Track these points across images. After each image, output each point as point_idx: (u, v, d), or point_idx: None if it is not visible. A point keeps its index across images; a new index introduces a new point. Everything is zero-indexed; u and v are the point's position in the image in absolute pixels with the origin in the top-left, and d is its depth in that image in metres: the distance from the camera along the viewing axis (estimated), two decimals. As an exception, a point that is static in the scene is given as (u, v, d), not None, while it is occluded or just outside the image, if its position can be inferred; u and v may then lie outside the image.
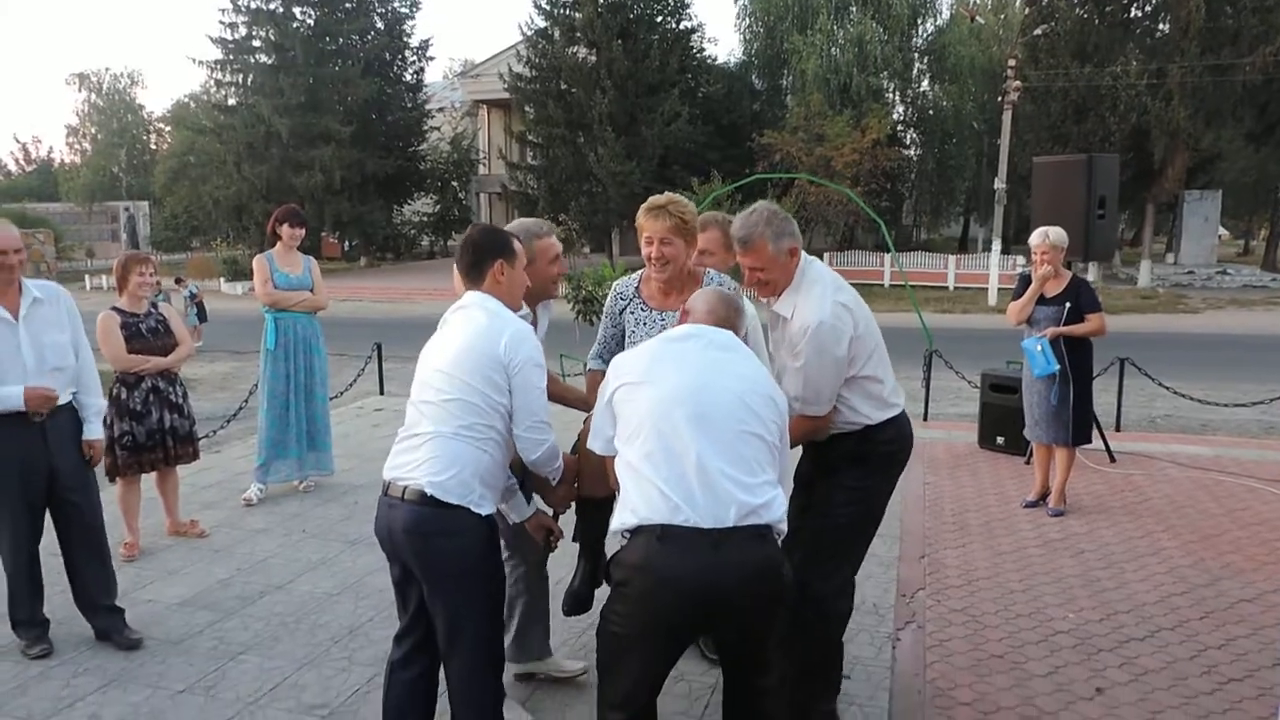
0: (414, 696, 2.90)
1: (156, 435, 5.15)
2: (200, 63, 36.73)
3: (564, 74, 31.08)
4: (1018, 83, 24.79)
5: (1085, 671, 3.85)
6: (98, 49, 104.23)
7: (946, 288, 26.91)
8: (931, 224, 44.11)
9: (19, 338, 3.82)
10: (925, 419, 8.79)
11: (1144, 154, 26.67)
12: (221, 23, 36.16)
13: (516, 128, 34.30)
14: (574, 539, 3.33)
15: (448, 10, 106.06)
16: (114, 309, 5.08)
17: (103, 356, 4.75)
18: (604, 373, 2.85)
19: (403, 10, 38.48)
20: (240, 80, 36.98)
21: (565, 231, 30.07)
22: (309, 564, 5.03)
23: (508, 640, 3.55)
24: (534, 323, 3.36)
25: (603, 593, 2.74)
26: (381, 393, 9.96)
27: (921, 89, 36.42)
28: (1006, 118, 24.96)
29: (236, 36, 36.25)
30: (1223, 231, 35.97)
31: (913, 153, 35.89)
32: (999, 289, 24.03)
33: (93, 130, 55.47)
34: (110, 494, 4.46)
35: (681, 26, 32.63)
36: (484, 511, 2.75)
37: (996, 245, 25.14)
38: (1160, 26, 28.09)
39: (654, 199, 3.38)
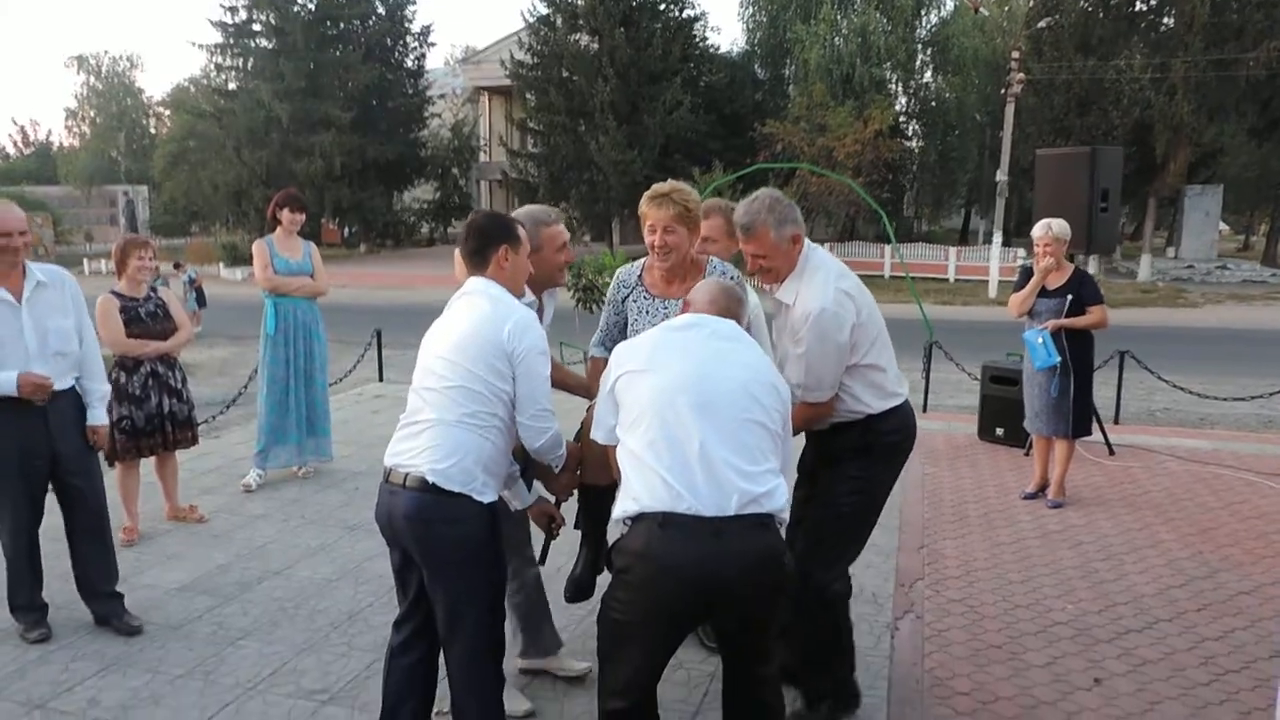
0: (413, 682, 2.90)
1: (155, 420, 5.14)
2: (200, 46, 36.69)
3: (566, 61, 31.00)
4: (1021, 75, 24.72)
5: (1083, 662, 3.86)
6: (97, 31, 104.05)
7: (947, 279, 26.90)
8: (932, 216, 44.09)
9: (21, 321, 3.81)
10: (925, 410, 8.79)
11: (1146, 148, 26.62)
12: (222, 6, 36.17)
13: (518, 115, 34.26)
14: (575, 526, 3.33)
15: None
16: (113, 293, 5.07)
17: (101, 340, 4.74)
18: (606, 360, 2.84)
19: (404, -5, 38.41)
20: (240, 64, 36.91)
21: (566, 220, 29.96)
22: (308, 550, 5.03)
23: (521, 639, 3.55)
24: (540, 310, 3.34)
25: (604, 580, 2.74)
26: (381, 379, 9.95)
27: (924, 80, 36.33)
28: (1009, 110, 24.89)
29: (237, 20, 36.16)
30: (1223, 226, 35.91)
31: (914, 144, 35.81)
32: (999, 281, 24.02)
33: (91, 114, 55.34)
34: (109, 479, 4.46)
35: (684, 15, 32.53)
36: (486, 499, 2.74)
37: (997, 238, 25.11)
38: (1165, 20, 28.01)
39: (657, 187, 3.36)
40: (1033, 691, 3.62)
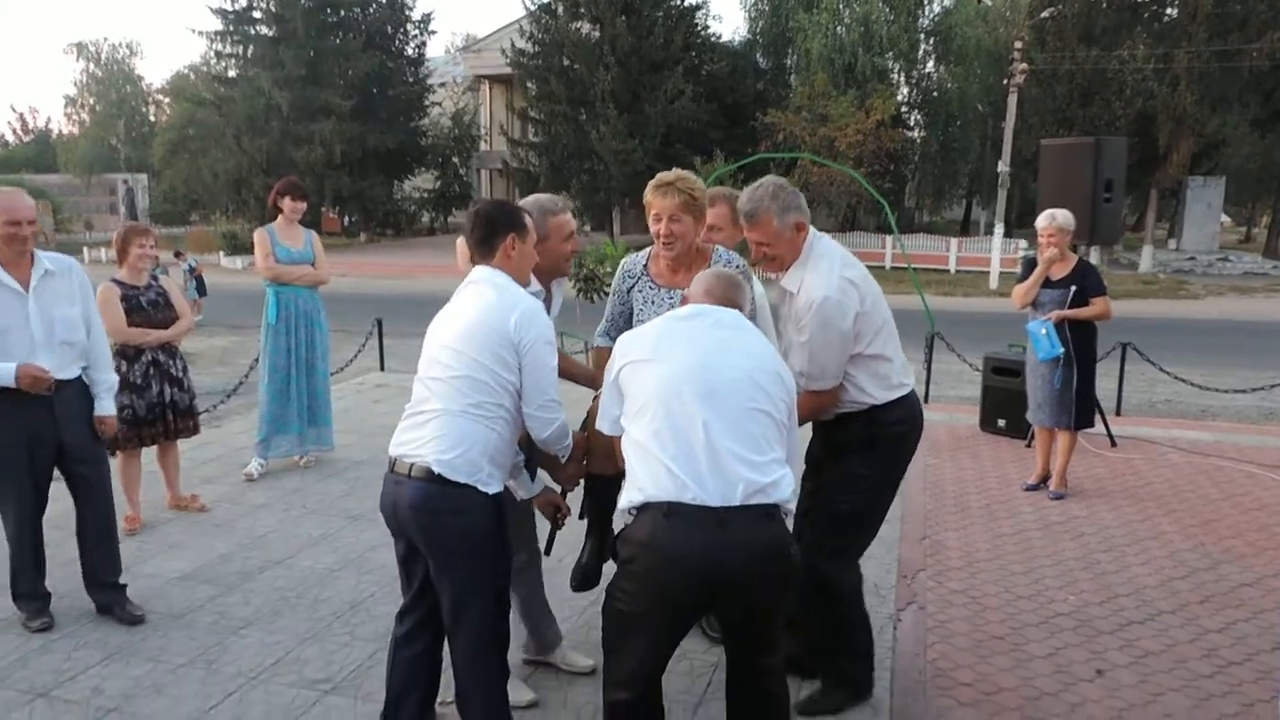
0: (418, 673, 2.90)
1: (156, 409, 5.14)
2: (200, 33, 36.52)
3: (567, 50, 30.90)
4: (1024, 65, 24.63)
5: (1085, 653, 3.86)
6: (96, 18, 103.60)
7: (948, 270, 26.84)
8: (934, 206, 43.97)
9: (28, 309, 3.80)
10: (927, 401, 8.78)
11: (1149, 139, 26.54)
12: (221, -8, 35.92)
13: (518, 104, 34.13)
14: (580, 516, 3.32)
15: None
16: (114, 281, 5.05)
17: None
18: (610, 350, 2.83)
19: (405, -17, 38.23)
20: (240, 52, 36.75)
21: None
22: (310, 539, 5.03)
23: (524, 638, 3.55)
24: (548, 299, 3.32)
25: (609, 570, 2.73)
26: (382, 369, 9.94)
27: (927, 70, 36.17)
28: (1012, 100, 24.81)
29: (236, 7, 35.99)
30: (1224, 218, 35.84)
31: (916, 134, 35.72)
32: (1001, 273, 23.98)
33: (91, 101, 55.16)
34: (110, 468, 4.45)
35: (686, 3, 32.39)
36: (491, 490, 2.73)
37: (999, 229, 25.04)
38: (1168, 11, 27.91)
39: (662, 175, 3.34)
40: (1035, 682, 3.62)
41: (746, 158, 18.92)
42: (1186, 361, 10.71)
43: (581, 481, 3.23)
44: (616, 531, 2.65)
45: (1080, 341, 5.76)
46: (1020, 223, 31.03)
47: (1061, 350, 5.69)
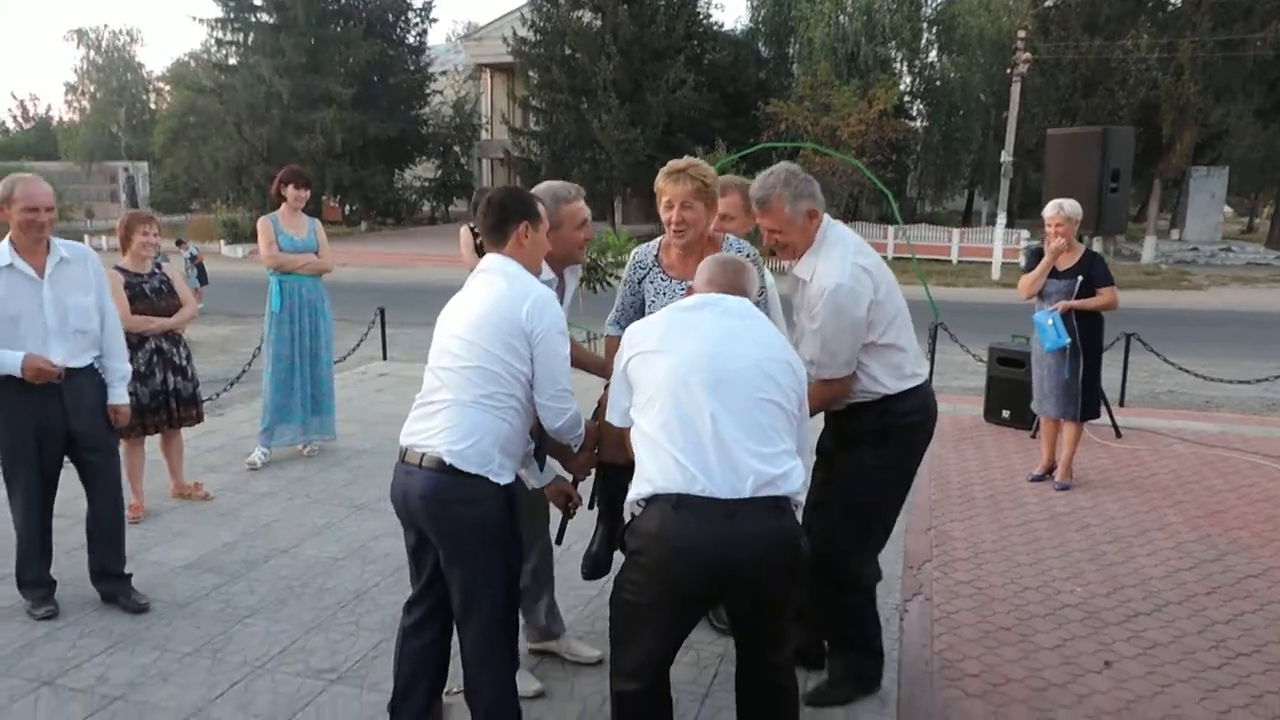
0: (426, 663, 2.89)
1: (160, 397, 5.12)
2: (200, 21, 36.44)
3: (569, 38, 30.78)
4: (1027, 55, 24.53)
5: (1093, 645, 3.85)
6: (96, 4, 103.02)
7: (950, 261, 26.81)
8: (935, 197, 43.86)
9: (42, 296, 3.79)
10: (930, 392, 8.75)
11: (1152, 129, 26.45)
12: (222, -22, 35.73)
13: (520, 92, 34.03)
14: (589, 507, 3.31)
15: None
16: (117, 268, 5.02)
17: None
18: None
19: (405, -30, 38.03)
20: (241, 39, 36.55)
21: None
22: (314, 528, 5.02)
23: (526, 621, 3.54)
24: (561, 287, 3.30)
25: (620, 557, 2.71)
26: (385, 358, 9.92)
27: (929, 59, 36.03)
28: (1015, 90, 24.72)
29: (237, -6, 35.81)
30: (1226, 209, 35.74)
31: (919, 124, 35.59)
32: (1003, 263, 23.94)
33: (92, 88, 54.94)
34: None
35: (687, -9, 32.24)
36: (503, 481, 2.71)
37: (1001, 219, 24.98)
38: (1172, 0, 27.78)
39: (674, 163, 3.30)
40: (1043, 674, 3.61)
41: (749, 147, 18.86)
42: (1190, 352, 10.69)
43: (593, 470, 3.21)
44: (626, 521, 2.63)
45: (1087, 332, 5.74)
46: (1023, 213, 30.93)
47: (1068, 340, 5.67)
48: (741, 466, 2.43)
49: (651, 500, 2.47)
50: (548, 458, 3.05)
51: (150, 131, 49.88)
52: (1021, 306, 6.09)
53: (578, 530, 3.52)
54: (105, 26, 64.37)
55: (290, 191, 6.01)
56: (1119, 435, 7.07)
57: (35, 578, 3.99)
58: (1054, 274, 5.81)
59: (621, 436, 2.76)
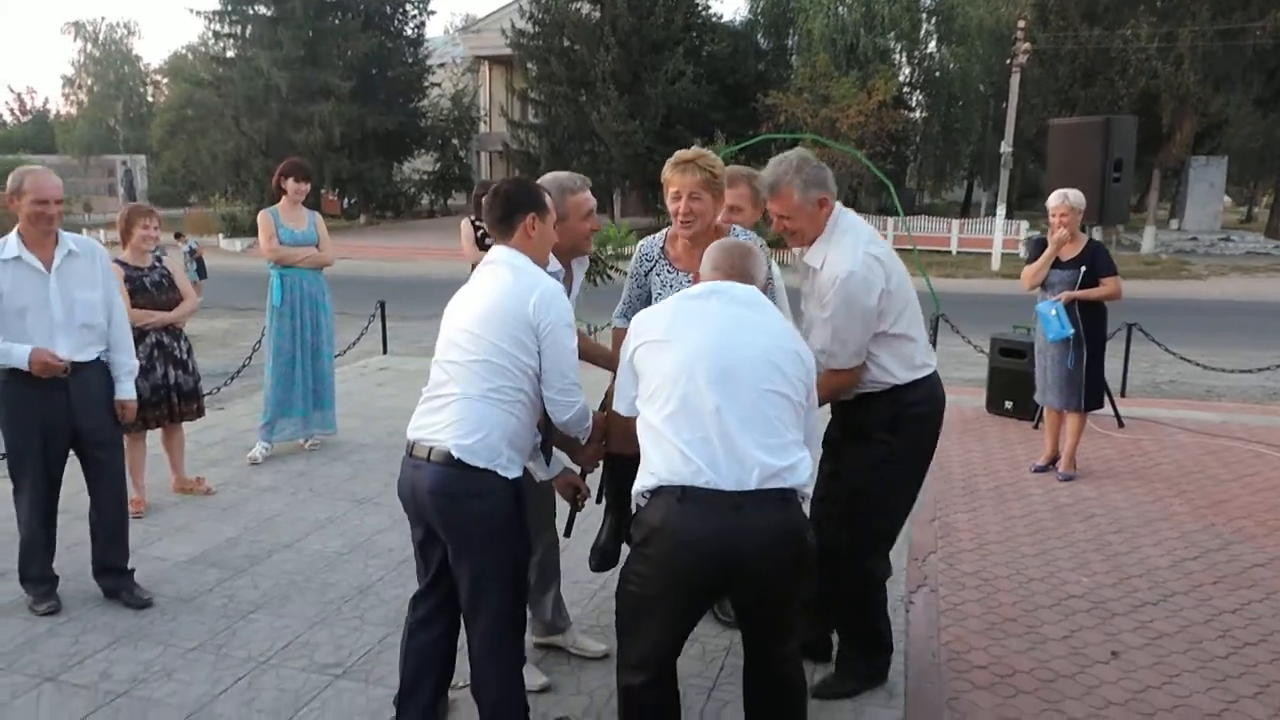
0: (432, 659, 2.87)
1: (161, 391, 5.10)
2: (198, 13, 36.16)
3: (567, 30, 30.67)
4: (1026, 45, 24.47)
5: (1100, 635, 3.84)
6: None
7: (949, 252, 26.77)
8: (935, 188, 43.80)
9: (49, 289, 3.77)
10: (932, 383, 8.74)
11: (1151, 118, 26.35)
12: (219, -29, 35.57)
13: (518, 85, 33.92)
14: (597, 500, 3.29)
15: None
16: (117, 262, 4.98)
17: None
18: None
19: (403, -38, 37.86)
20: (239, 32, 36.41)
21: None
22: (317, 522, 5.00)
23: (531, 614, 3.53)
24: (568, 279, 3.27)
25: (628, 549, 2.70)
26: (385, 352, 9.90)
27: (928, 50, 35.92)
28: (1014, 81, 24.66)
29: (235, -14, 35.67)
30: (1225, 198, 35.70)
31: (918, 115, 35.51)
32: (1003, 254, 23.91)
33: (89, 81, 54.75)
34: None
35: (687, -17, 32.12)
36: (511, 475, 2.70)
37: (1001, 210, 24.95)
38: (1172, -12, 27.69)
39: (681, 153, 3.27)
40: (1051, 665, 3.60)
41: (748, 139, 18.82)
42: (1190, 342, 10.67)
43: (600, 462, 3.20)
44: (633, 513, 2.61)
45: (1090, 322, 5.72)
46: (1022, 204, 30.89)
47: (1072, 331, 5.66)
48: (747, 458, 2.41)
49: (656, 492, 2.46)
50: (555, 450, 3.03)
51: (148, 125, 49.75)
52: (1021, 297, 6.07)
53: (581, 525, 3.52)
54: (102, 19, 64.14)
55: (291, 184, 5.98)
56: (1121, 425, 7.06)
57: (38, 573, 3.97)
58: (1057, 264, 5.79)
59: (629, 427, 2.74)
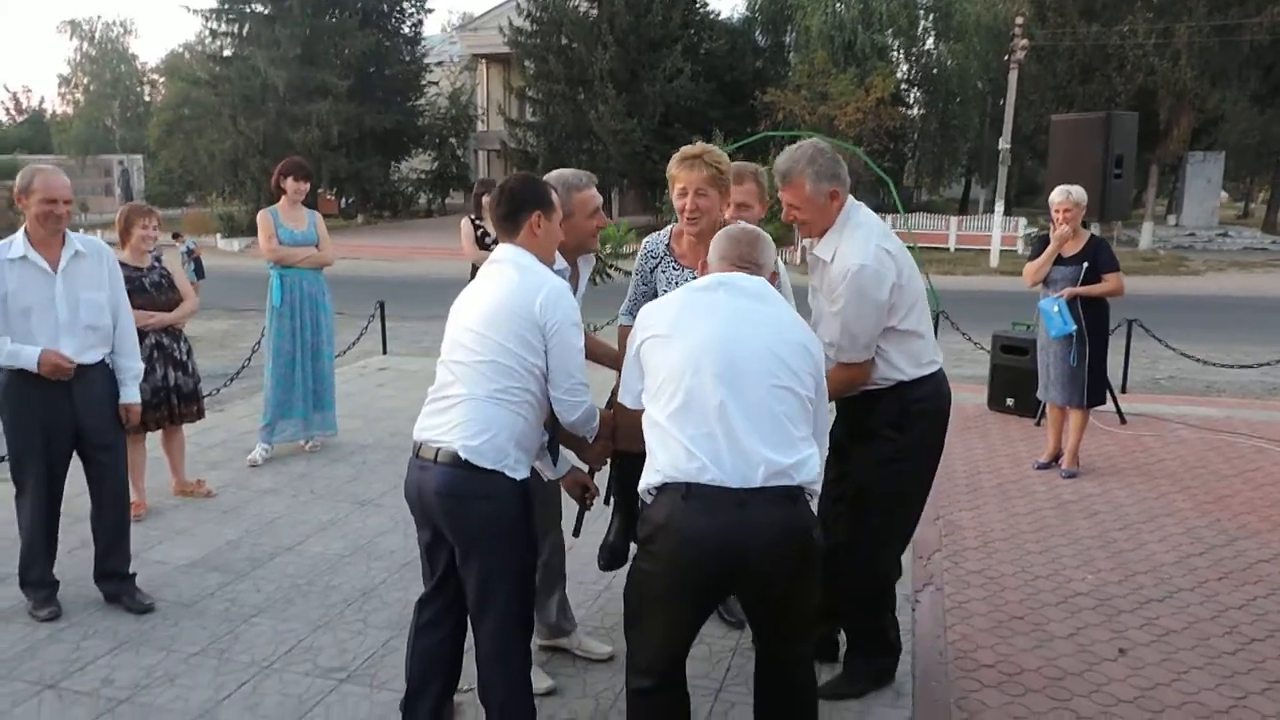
0: (439, 662, 2.85)
1: (161, 393, 5.07)
2: (194, 11, 36.07)
3: (565, 28, 30.61)
4: (1024, 41, 24.43)
5: (1107, 632, 3.83)
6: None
7: (948, 249, 26.73)
8: (933, 185, 43.78)
9: (54, 290, 3.75)
10: (933, 380, 8.72)
11: (1149, 114, 26.28)
12: (215, -31, 35.45)
13: (516, 83, 33.85)
14: (605, 500, 3.27)
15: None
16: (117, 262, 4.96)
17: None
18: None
19: (400, -40, 37.76)
20: (235, 30, 36.29)
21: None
22: (319, 525, 4.98)
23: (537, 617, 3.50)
24: (574, 277, 3.24)
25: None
26: (385, 352, 9.88)
27: (926, 47, 35.91)
28: (1012, 77, 24.62)
29: (231, -17, 35.56)
30: (1222, 194, 35.70)
31: (916, 112, 35.49)
32: (1001, 251, 23.88)
33: (85, 80, 54.53)
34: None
35: (684, -20, 32.06)
36: (518, 476, 2.68)
37: (999, 206, 24.92)
38: (1169, -16, 27.67)
39: (687, 149, 3.25)
40: (1058, 662, 3.59)
41: (746, 137, 18.80)
42: (1189, 338, 10.64)
43: (608, 460, 3.17)
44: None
45: (1092, 318, 5.72)
46: (1020, 200, 30.87)
47: (1074, 327, 5.65)
48: (753, 455, 2.39)
49: (662, 489, 2.44)
50: (563, 449, 3.01)
51: (145, 124, 49.54)
52: (1020, 294, 6.07)
53: (594, 524, 3.50)
54: (98, 18, 63.42)
55: (290, 184, 5.95)
56: (1123, 421, 7.05)
57: (39, 578, 3.94)
58: (1059, 261, 5.78)
59: (636, 423, 2.71)
